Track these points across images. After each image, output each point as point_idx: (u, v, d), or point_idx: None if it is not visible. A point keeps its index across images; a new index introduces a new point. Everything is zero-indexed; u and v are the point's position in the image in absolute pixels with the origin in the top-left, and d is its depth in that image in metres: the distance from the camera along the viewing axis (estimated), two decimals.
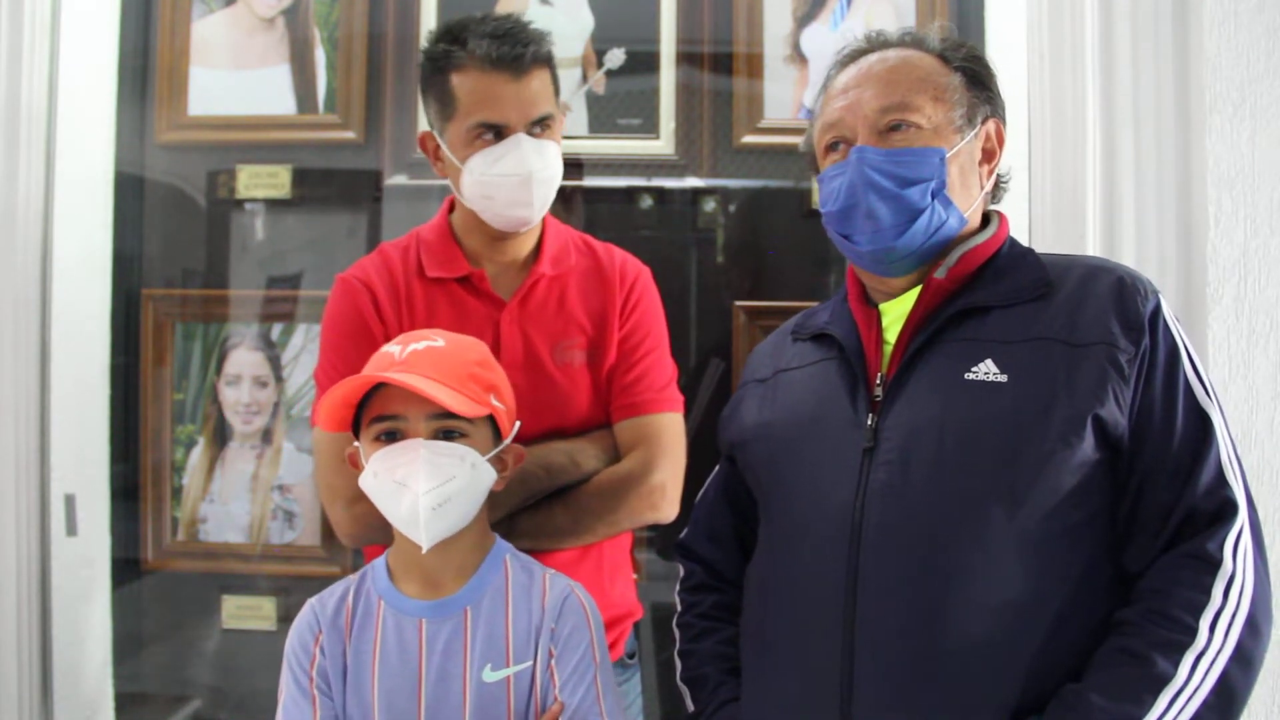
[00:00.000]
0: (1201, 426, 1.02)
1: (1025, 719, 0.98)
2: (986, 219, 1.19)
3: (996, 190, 1.22)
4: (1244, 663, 0.97)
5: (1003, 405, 1.03)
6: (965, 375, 1.05)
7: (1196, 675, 0.95)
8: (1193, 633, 0.95)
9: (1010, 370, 1.04)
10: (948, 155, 1.11)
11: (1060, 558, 1.00)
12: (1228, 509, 1.00)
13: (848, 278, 1.23)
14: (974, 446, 1.02)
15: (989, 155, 1.17)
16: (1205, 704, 0.95)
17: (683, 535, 1.34)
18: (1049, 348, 1.04)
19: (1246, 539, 1.00)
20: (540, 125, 1.34)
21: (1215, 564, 0.98)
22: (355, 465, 1.16)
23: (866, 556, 1.04)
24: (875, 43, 1.19)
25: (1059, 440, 1.00)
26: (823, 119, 1.18)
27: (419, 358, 1.11)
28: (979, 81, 1.16)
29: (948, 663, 0.99)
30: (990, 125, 1.17)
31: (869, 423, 1.09)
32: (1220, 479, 1.01)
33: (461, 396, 1.10)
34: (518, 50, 1.31)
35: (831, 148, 1.17)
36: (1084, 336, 1.04)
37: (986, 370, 1.05)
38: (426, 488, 1.08)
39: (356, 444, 1.15)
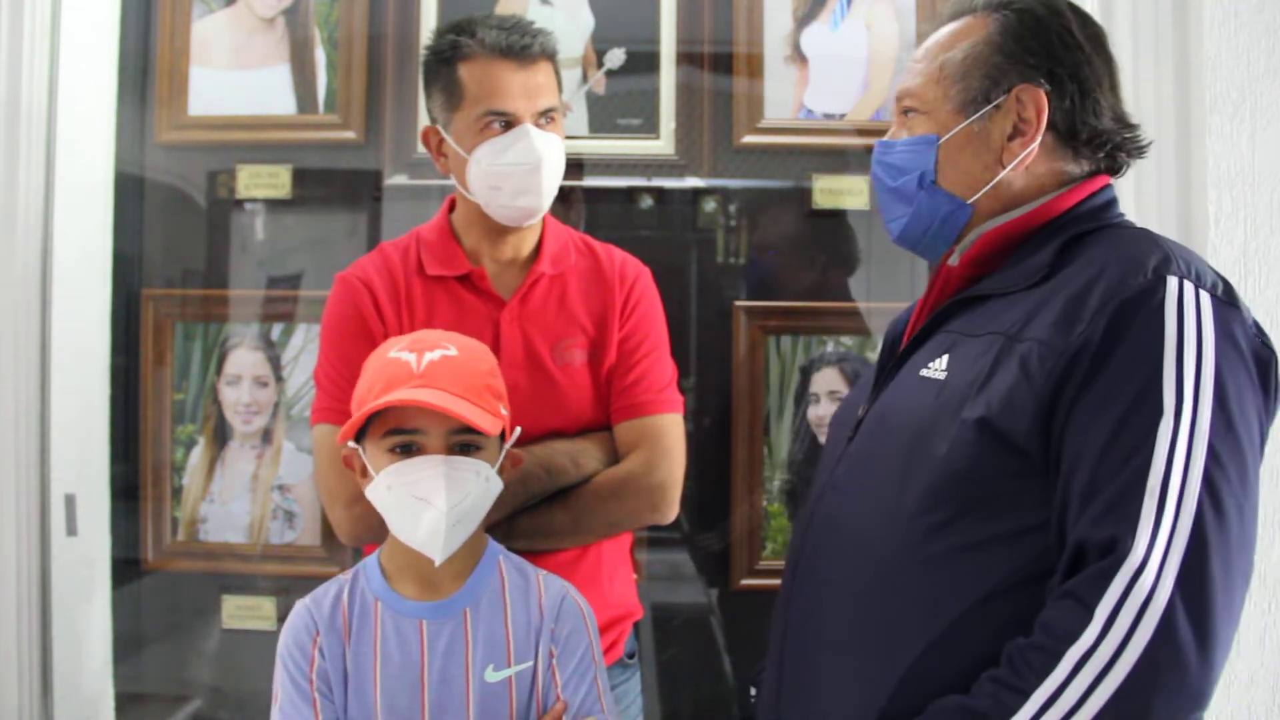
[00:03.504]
0: (1134, 440, 0.85)
1: None
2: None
3: (1095, 154, 1.04)
4: None
5: (927, 405, 0.97)
6: (921, 371, 1.01)
7: None
8: (1038, 680, 0.82)
9: (952, 368, 0.97)
10: (941, 140, 1.05)
11: (960, 574, 0.90)
12: (1113, 546, 0.82)
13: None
14: (898, 446, 0.98)
15: (1022, 127, 1.02)
16: None
17: None
18: (991, 344, 0.95)
19: (1151, 588, 0.80)
20: (546, 117, 1.35)
21: (1087, 608, 0.82)
22: (350, 467, 1.16)
23: (805, 551, 1.07)
24: (941, 18, 1.12)
25: (950, 445, 0.92)
26: None
27: (437, 369, 1.09)
28: (1011, 47, 1.03)
29: (827, 671, 0.99)
30: (1021, 93, 1.02)
31: (860, 414, 1.10)
32: (1122, 508, 0.83)
33: (483, 412, 1.09)
34: (525, 40, 1.33)
35: None
36: (1027, 332, 0.92)
37: (937, 366, 0.99)
38: (450, 505, 1.07)
39: (354, 446, 1.14)
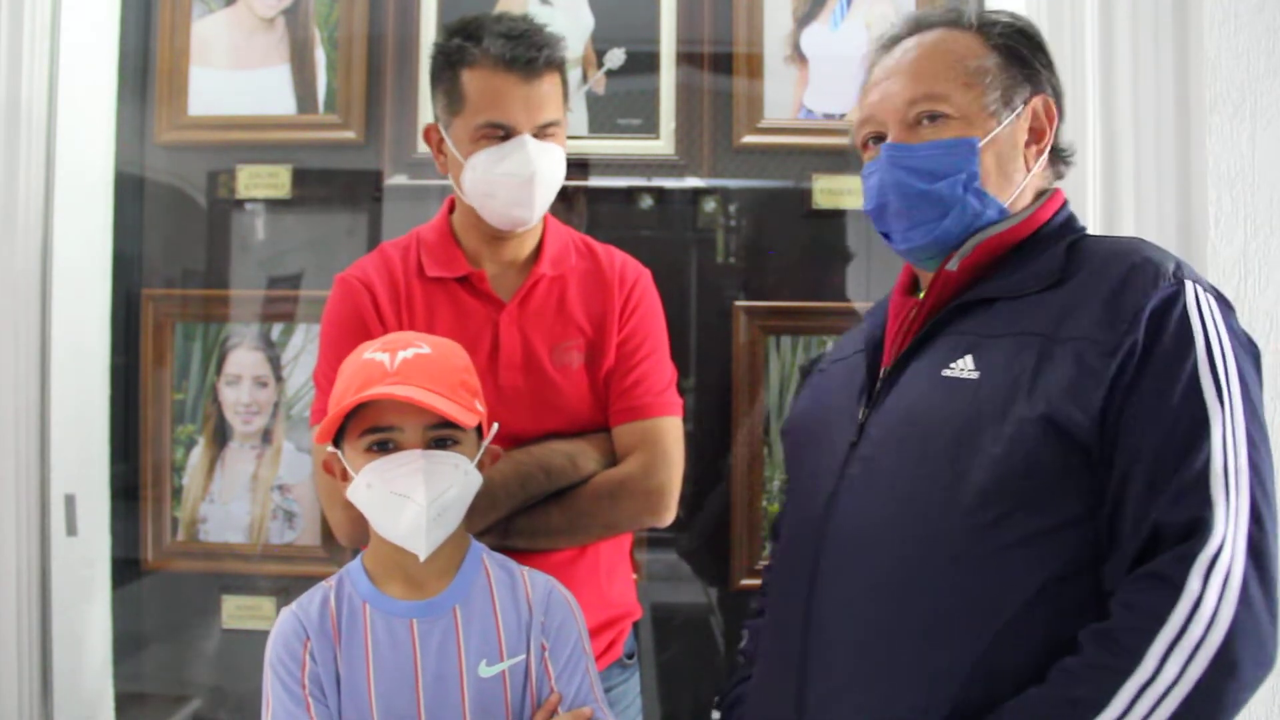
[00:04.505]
0: (1191, 431, 0.91)
1: None
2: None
3: (1059, 166, 1.15)
4: (1209, 701, 0.85)
5: (965, 404, 0.98)
6: (943, 371, 1.02)
7: (1139, 708, 0.85)
8: (1135, 660, 0.86)
9: (984, 367, 0.99)
10: (981, 144, 1.06)
11: (1016, 567, 0.93)
12: (1196, 526, 0.88)
13: (905, 265, 1.20)
14: (931, 446, 0.99)
15: (1039, 134, 1.10)
16: None
17: (777, 517, 1.35)
18: (1026, 343, 0.98)
19: (1230, 562, 0.87)
20: (546, 129, 1.34)
21: (1175, 586, 0.87)
22: (330, 472, 1.16)
23: (826, 554, 1.04)
24: (911, 26, 1.14)
25: (1008, 443, 0.94)
26: (860, 113, 1.15)
27: (410, 367, 1.10)
28: (1020, 58, 1.09)
29: (882, 667, 0.98)
30: (1037, 102, 1.10)
31: (859, 417, 1.08)
32: (1198, 492, 0.89)
33: (458, 406, 1.10)
34: (531, 54, 1.30)
35: (868, 143, 1.14)
36: (1066, 331, 0.96)
37: (963, 366, 1.01)
38: (430, 498, 1.08)
39: (333, 450, 1.14)
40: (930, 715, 0.93)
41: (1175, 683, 0.85)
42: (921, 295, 1.13)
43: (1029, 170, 1.10)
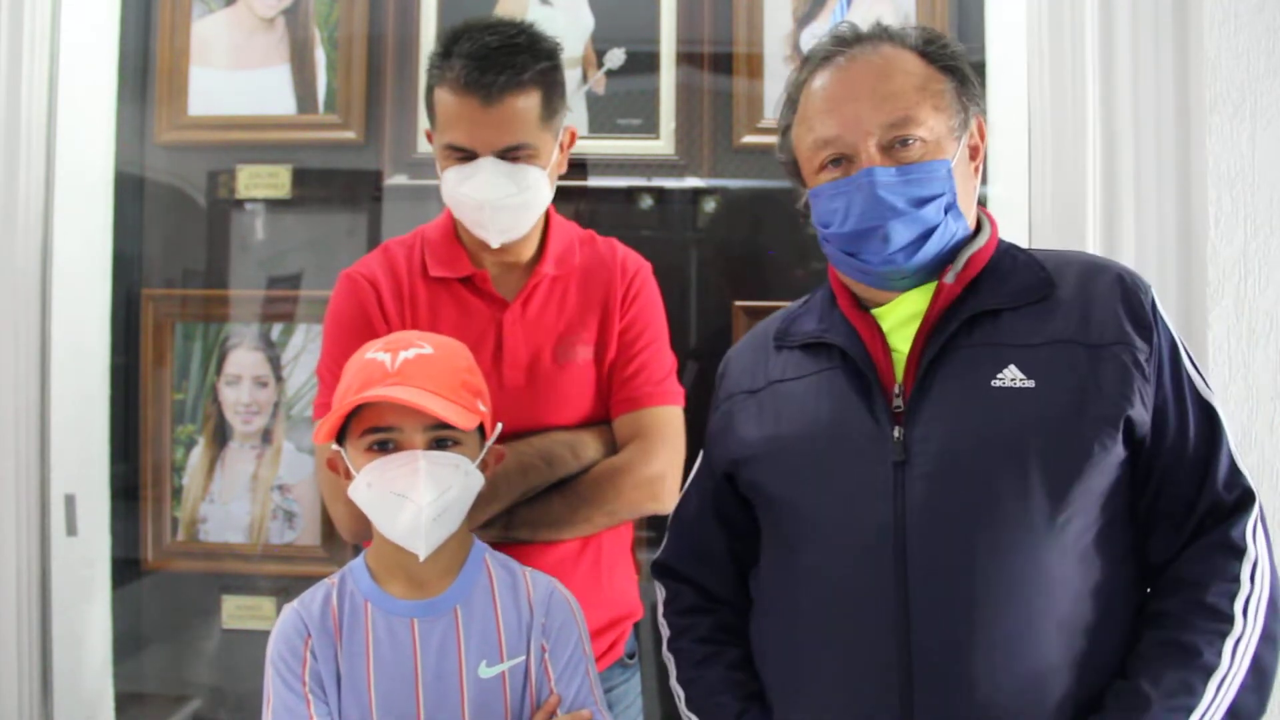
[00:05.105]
0: (1209, 418, 1.05)
1: (1084, 718, 1.00)
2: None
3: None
4: (1270, 640, 1.01)
5: (1034, 411, 1.02)
6: (992, 382, 1.04)
7: (1236, 659, 0.98)
8: (1231, 621, 0.99)
9: (1036, 375, 1.04)
10: (952, 165, 1.08)
11: (1098, 557, 1.02)
12: (1246, 498, 1.03)
13: (832, 283, 1.19)
14: (1012, 455, 1.01)
15: (974, 151, 1.15)
16: (1244, 685, 0.99)
17: (661, 555, 1.27)
18: (1069, 350, 1.04)
19: (1264, 523, 1.04)
20: (513, 151, 1.30)
21: (1241, 551, 1.01)
22: (334, 469, 1.16)
23: (915, 572, 1.02)
24: (846, 40, 1.12)
25: (1095, 443, 1.01)
26: (815, 133, 1.11)
27: (411, 367, 1.10)
28: (964, 79, 1.13)
29: (1011, 672, 0.98)
30: (974, 123, 1.14)
31: (895, 435, 1.05)
32: (1235, 469, 1.04)
33: (458, 408, 1.10)
34: (488, 78, 1.26)
35: (826, 164, 1.11)
36: (1100, 337, 1.04)
37: (1012, 376, 1.04)
38: (429, 499, 1.08)
39: (337, 448, 1.14)
40: (1064, 713, 0.99)
41: (1252, 632, 1.00)
42: (873, 310, 1.13)
43: (975, 186, 1.15)
